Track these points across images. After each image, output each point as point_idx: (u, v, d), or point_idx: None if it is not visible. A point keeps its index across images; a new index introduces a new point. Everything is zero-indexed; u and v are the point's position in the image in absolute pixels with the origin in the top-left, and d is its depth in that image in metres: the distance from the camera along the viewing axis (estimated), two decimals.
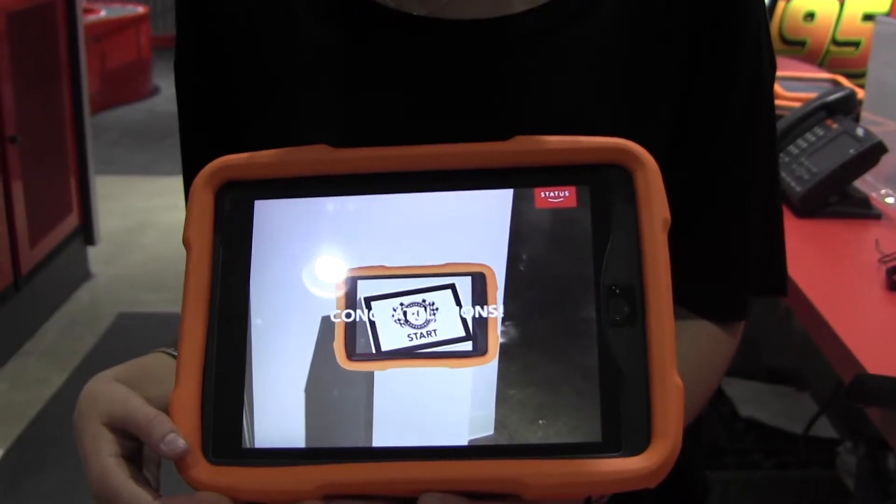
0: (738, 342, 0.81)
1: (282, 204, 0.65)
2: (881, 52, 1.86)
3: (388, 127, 0.73)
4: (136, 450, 0.62)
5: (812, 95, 1.83)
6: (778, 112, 0.80)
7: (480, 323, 0.61)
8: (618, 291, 0.60)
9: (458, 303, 0.61)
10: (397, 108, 0.73)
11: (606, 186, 0.63)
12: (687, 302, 0.76)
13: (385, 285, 0.62)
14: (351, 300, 0.62)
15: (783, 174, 1.61)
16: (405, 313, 0.61)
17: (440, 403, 0.59)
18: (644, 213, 0.61)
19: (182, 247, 0.65)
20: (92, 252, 3.74)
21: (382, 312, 0.61)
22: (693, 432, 0.64)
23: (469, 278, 0.61)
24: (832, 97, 1.75)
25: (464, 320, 0.61)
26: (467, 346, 0.60)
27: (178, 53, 0.79)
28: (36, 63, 3.23)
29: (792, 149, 1.70)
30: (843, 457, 1.79)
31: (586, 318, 0.60)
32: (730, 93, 0.75)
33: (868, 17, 2.45)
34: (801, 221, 1.59)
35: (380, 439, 0.59)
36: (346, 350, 0.61)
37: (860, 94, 1.90)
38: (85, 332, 3.27)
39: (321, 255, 0.64)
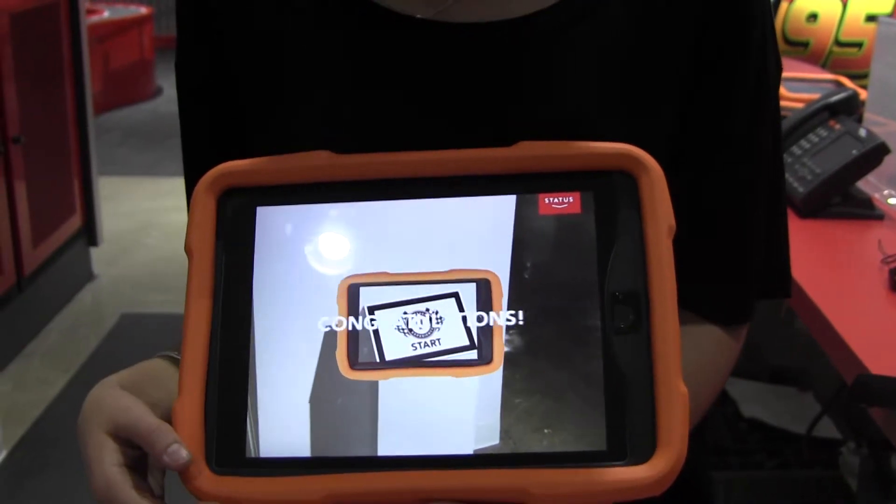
0: (741, 345, 0.81)
1: (284, 210, 0.65)
2: (884, 53, 1.86)
3: (392, 130, 0.72)
4: (140, 458, 0.62)
5: (815, 96, 1.83)
6: (781, 113, 0.80)
7: (485, 331, 0.60)
8: (622, 298, 0.60)
9: (463, 311, 0.61)
10: (401, 112, 0.73)
11: (611, 192, 0.62)
12: (690, 305, 0.75)
13: (388, 293, 0.62)
14: (353, 308, 0.62)
15: (786, 175, 1.61)
16: (409, 322, 0.61)
17: (445, 413, 0.59)
18: (649, 220, 0.61)
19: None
20: (95, 253, 3.74)
21: (386, 321, 0.61)
22: (698, 434, 0.64)
23: (474, 285, 0.61)
24: (835, 98, 1.75)
25: (468, 329, 0.60)
26: (472, 354, 0.60)
27: (179, 55, 0.79)
28: (39, 64, 3.24)
29: (795, 149, 1.70)
30: (845, 457, 1.79)
31: (591, 325, 0.60)
32: (736, 94, 0.74)
33: (871, 18, 2.45)
34: (804, 222, 1.60)
35: (385, 448, 0.59)
36: (349, 359, 0.61)
37: (863, 94, 1.90)
38: (88, 333, 3.27)
39: (323, 262, 0.63)
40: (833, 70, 2.42)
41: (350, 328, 0.61)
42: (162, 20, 7.75)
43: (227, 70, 0.76)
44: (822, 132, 1.69)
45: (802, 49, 2.54)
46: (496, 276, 0.61)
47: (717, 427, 1.98)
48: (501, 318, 0.61)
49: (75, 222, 3.53)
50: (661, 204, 0.61)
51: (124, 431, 0.60)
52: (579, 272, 0.61)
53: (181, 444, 0.58)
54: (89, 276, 3.69)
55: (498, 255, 0.62)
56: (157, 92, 6.79)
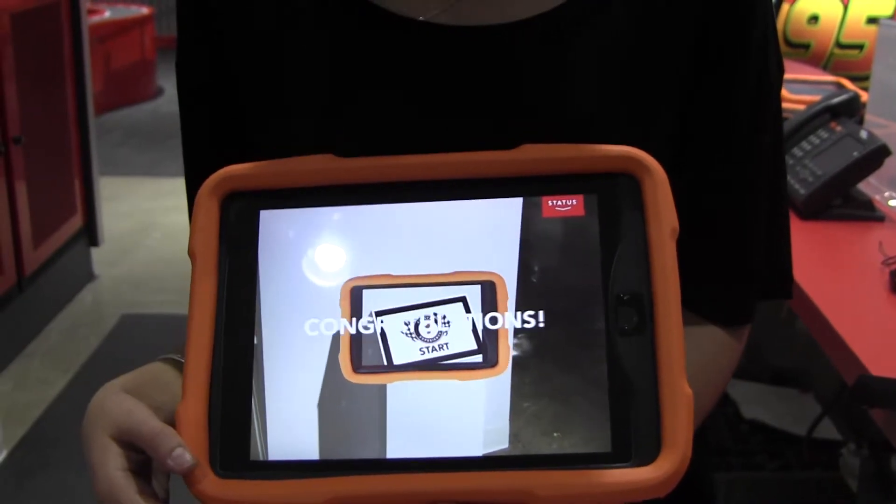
0: (743, 346, 0.81)
1: (287, 214, 0.65)
2: (885, 55, 1.86)
3: (392, 132, 0.72)
4: (144, 462, 0.62)
5: (816, 98, 1.83)
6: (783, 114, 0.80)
7: (491, 335, 0.60)
8: (626, 300, 0.60)
9: (471, 315, 0.61)
10: (401, 113, 0.73)
11: (614, 195, 0.62)
12: (693, 305, 0.75)
13: (392, 295, 0.62)
14: (356, 311, 0.62)
15: (787, 176, 1.61)
16: (417, 326, 0.61)
17: (453, 416, 0.59)
18: (652, 222, 0.61)
19: (186, 248, 0.65)
20: (96, 253, 3.74)
21: (393, 325, 0.61)
22: (699, 436, 0.64)
23: (478, 287, 0.61)
24: (836, 100, 1.75)
25: (475, 332, 0.61)
26: (478, 358, 0.60)
27: (180, 55, 0.79)
28: (40, 64, 3.24)
29: (796, 151, 1.70)
30: (846, 458, 1.79)
31: (595, 328, 0.60)
32: (736, 94, 0.74)
33: (872, 20, 2.45)
34: (805, 224, 1.60)
35: (393, 451, 0.59)
36: (352, 363, 0.61)
37: (864, 96, 1.90)
38: (88, 333, 3.27)
39: (327, 265, 0.63)
40: (834, 72, 2.43)
41: (353, 332, 0.61)
42: (163, 20, 7.75)
43: (227, 70, 0.76)
44: (824, 134, 1.69)
45: (803, 51, 2.54)
46: (501, 278, 0.61)
47: (718, 428, 1.98)
48: (508, 320, 0.61)
49: (76, 222, 3.54)
50: (665, 206, 0.61)
51: (128, 435, 0.60)
52: (583, 275, 0.61)
53: (185, 448, 0.58)
54: (90, 277, 3.70)
55: (503, 257, 0.62)
56: (158, 92, 6.80)
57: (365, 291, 0.62)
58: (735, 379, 2.10)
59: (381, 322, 0.61)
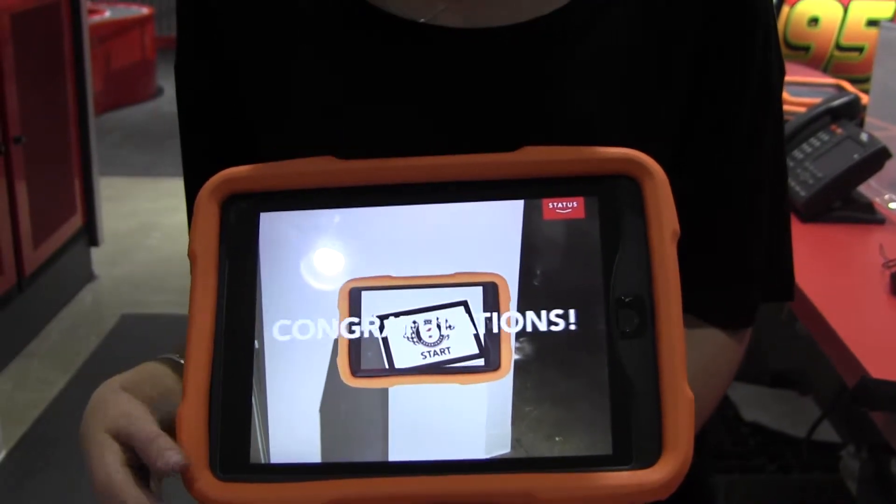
0: (744, 348, 0.81)
1: (287, 216, 0.64)
2: (885, 58, 1.87)
3: (393, 133, 0.72)
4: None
5: (817, 100, 1.83)
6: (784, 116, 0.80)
7: (493, 338, 0.60)
8: (627, 303, 0.60)
9: (472, 319, 0.61)
10: (404, 117, 0.73)
11: (615, 197, 0.62)
12: (693, 308, 0.75)
13: (392, 297, 0.62)
14: (355, 312, 0.62)
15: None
16: (418, 331, 0.61)
17: (455, 419, 0.59)
18: (653, 224, 0.61)
19: (186, 248, 0.65)
20: (95, 253, 3.74)
21: (395, 329, 0.61)
22: (699, 438, 0.64)
23: (480, 288, 0.61)
24: (837, 102, 1.75)
25: (477, 337, 0.60)
26: (480, 362, 0.60)
27: (179, 56, 0.79)
28: (40, 64, 3.24)
29: (796, 153, 1.70)
30: (846, 461, 1.79)
31: (597, 330, 0.60)
32: (739, 97, 0.74)
33: (872, 23, 2.45)
34: (806, 226, 1.60)
35: (395, 454, 0.59)
36: (351, 367, 0.61)
37: (864, 99, 1.90)
38: (88, 333, 3.27)
39: (327, 267, 0.63)
40: (834, 74, 2.43)
41: (353, 336, 0.61)
42: (163, 20, 7.75)
43: (227, 71, 0.76)
44: (824, 136, 1.69)
45: (803, 53, 2.54)
46: (503, 279, 0.61)
47: (717, 431, 1.98)
48: (510, 323, 0.61)
49: (76, 222, 3.54)
50: (665, 209, 0.61)
51: (124, 437, 0.61)
52: (584, 277, 0.61)
53: (176, 450, 0.58)
54: (90, 277, 3.69)
55: (505, 259, 0.62)
56: (159, 92, 6.79)
57: (365, 293, 0.62)
58: (735, 381, 2.09)
59: (383, 325, 0.61)
